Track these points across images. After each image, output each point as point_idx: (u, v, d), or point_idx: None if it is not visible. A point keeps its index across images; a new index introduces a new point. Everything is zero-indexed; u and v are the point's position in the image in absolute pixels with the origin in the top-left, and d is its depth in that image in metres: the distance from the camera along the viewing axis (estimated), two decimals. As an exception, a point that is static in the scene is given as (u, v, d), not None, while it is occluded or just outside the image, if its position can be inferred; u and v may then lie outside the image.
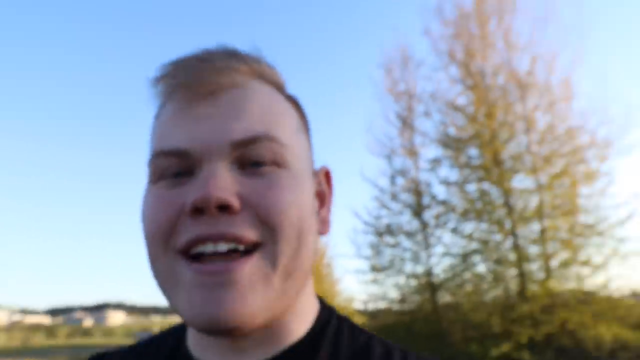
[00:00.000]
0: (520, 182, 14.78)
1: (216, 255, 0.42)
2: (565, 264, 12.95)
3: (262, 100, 0.47)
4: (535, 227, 14.08)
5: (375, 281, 17.11)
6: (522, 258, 13.79)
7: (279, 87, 0.51)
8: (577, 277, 12.63)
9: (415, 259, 16.29)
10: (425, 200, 16.75)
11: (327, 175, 0.56)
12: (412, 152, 17.56)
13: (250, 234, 0.41)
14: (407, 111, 18.26)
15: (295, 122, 0.50)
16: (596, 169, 13.22)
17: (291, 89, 0.57)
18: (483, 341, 12.33)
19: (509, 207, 14.54)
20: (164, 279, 0.44)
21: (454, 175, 16.43)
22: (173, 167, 0.45)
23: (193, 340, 0.51)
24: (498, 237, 14.70)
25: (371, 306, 17.84)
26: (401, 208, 17.05)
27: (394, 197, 17.19)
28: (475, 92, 16.06)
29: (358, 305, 18.73)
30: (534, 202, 14.29)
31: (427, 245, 16.20)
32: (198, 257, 0.42)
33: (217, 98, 0.46)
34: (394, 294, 16.78)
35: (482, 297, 13.88)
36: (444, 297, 15.34)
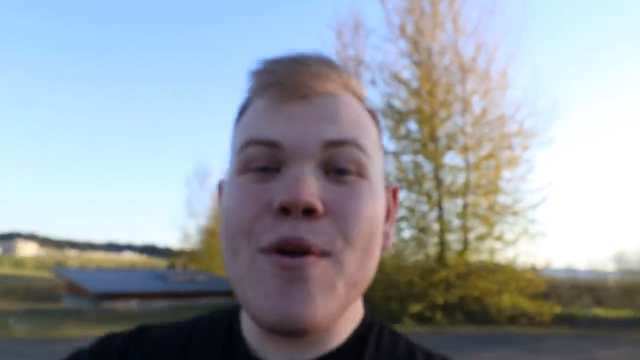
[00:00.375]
0: (452, 159, 16.03)
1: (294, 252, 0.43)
2: (481, 238, 14.49)
3: (351, 111, 0.49)
4: (460, 202, 15.48)
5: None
6: (445, 229, 15.16)
7: (362, 101, 0.53)
8: (490, 250, 14.23)
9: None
10: (364, 165, 17.50)
11: (395, 192, 0.57)
12: (356, 118, 18.14)
13: (325, 240, 0.43)
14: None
15: (375, 137, 0.52)
16: (519, 156, 14.66)
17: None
18: (402, 300, 13.58)
19: (439, 181, 15.78)
20: (245, 272, 0.44)
21: (391, 145, 17.35)
22: (261, 158, 0.46)
23: (250, 332, 0.51)
24: (425, 207, 15.96)
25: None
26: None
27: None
28: (421, 69, 16.82)
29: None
30: (461, 179, 15.64)
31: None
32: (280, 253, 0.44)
33: (310, 102, 0.47)
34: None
35: (405, 260, 15.12)
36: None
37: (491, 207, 14.64)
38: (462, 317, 13.02)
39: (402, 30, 17.51)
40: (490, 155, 15.12)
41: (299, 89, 0.47)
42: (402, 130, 17.09)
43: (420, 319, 13.09)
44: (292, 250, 0.43)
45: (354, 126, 0.48)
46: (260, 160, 0.46)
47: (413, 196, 16.30)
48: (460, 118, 16.27)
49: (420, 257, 15.18)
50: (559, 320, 12.45)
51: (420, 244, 15.41)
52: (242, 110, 0.52)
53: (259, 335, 0.50)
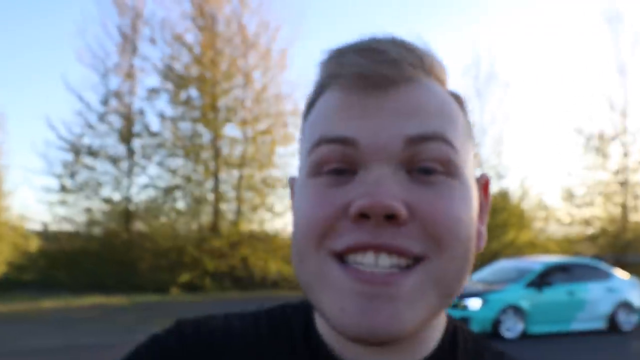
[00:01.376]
0: (231, 130, 16.42)
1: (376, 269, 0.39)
2: (254, 208, 15.45)
3: (435, 99, 0.43)
4: (236, 173, 16.08)
5: (63, 202, 15.85)
6: (220, 199, 15.58)
7: (444, 84, 0.47)
8: (261, 221, 15.32)
9: (116, 185, 15.92)
10: (137, 128, 16.41)
11: (486, 185, 0.51)
12: (130, 75, 16.67)
13: (415, 247, 0.39)
14: (131, 30, 17.00)
15: (463, 125, 0.46)
16: (292, 133, 16.03)
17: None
18: (172, 270, 13.53)
19: (216, 151, 16.02)
20: (314, 277, 0.41)
21: (170, 110, 16.70)
22: (336, 159, 0.41)
23: (329, 334, 0.48)
24: (201, 176, 16.04)
25: (54, 228, 16.43)
26: (108, 130, 16.15)
27: (102, 118, 16.10)
28: (205, 35, 16.51)
29: (34, 225, 16.89)
30: (238, 151, 16.22)
31: (131, 174, 16.06)
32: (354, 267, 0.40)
33: (389, 92, 0.42)
34: (83, 217, 16.03)
35: (177, 230, 14.99)
36: (140, 227, 15.73)
37: (264, 180, 15.68)
38: (230, 284, 13.80)
39: (187, -13, 16.77)
40: (267, 131, 16.07)
41: (374, 78, 0.42)
42: (183, 96, 16.60)
43: (189, 287, 13.30)
44: (374, 266, 0.39)
45: (439, 117, 0.43)
46: (334, 162, 0.42)
47: (190, 165, 16.17)
48: (242, 91, 16.72)
49: (194, 226, 15.27)
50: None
51: (195, 213, 15.47)
52: (311, 105, 0.48)
53: (340, 339, 0.46)
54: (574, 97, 33.64)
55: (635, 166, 18.97)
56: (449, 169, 0.42)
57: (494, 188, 21.12)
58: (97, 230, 16.00)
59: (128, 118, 16.28)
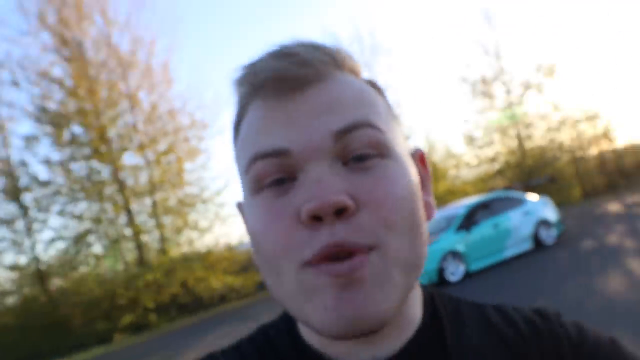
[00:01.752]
0: (130, 159, 15.43)
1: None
2: (178, 231, 14.72)
3: (352, 90, 0.44)
4: (148, 201, 15.18)
5: (-41, 283, 14.02)
6: (139, 231, 14.65)
7: (359, 75, 0.49)
8: (189, 241, 14.64)
9: (17, 248, 14.38)
10: (23, 181, 14.88)
11: (422, 157, 0.53)
12: (-1, 127, 15.04)
13: (368, 236, 0.40)
14: (-13, 77, 15.33)
15: (385, 107, 0.48)
16: (196, 147, 15.43)
17: None
18: (109, 317, 12.58)
19: (120, 184, 15.00)
20: (295, 291, 0.42)
21: (56, 154, 15.33)
22: (273, 171, 0.42)
23: (318, 341, 0.48)
24: (111, 214, 14.95)
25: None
26: (-9, 192, 14.49)
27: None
28: (74, 65, 15.33)
29: None
30: (144, 177, 15.32)
31: (30, 232, 14.57)
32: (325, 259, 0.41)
33: (306, 92, 0.43)
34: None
35: (102, 276, 13.92)
36: (57, 284, 14.38)
37: (181, 200, 14.98)
38: (175, 312, 13.11)
39: (42, 20, 15.42)
40: (169, 150, 15.33)
41: (289, 80, 0.43)
42: (66, 136, 15.28)
43: (134, 329, 12.47)
44: (337, 256, 0.40)
45: (359, 106, 0.44)
46: (273, 174, 0.42)
47: (95, 205, 15.00)
48: (130, 116, 15.75)
49: (120, 266, 14.26)
50: (262, 287, 14.14)
51: (115, 253, 14.44)
52: (238, 124, 0.48)
53: (329, 342, 0.47)
54: (452, 48, 35.85)
55: (518, 100, 20.66)
56: (381, 151, 0.43)
57: (403, 150, 21.99)
58: (10, 301, 14.40)
59: (9, 173, 14.71)
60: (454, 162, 22.46)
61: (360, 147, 0.42)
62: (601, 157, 19.92)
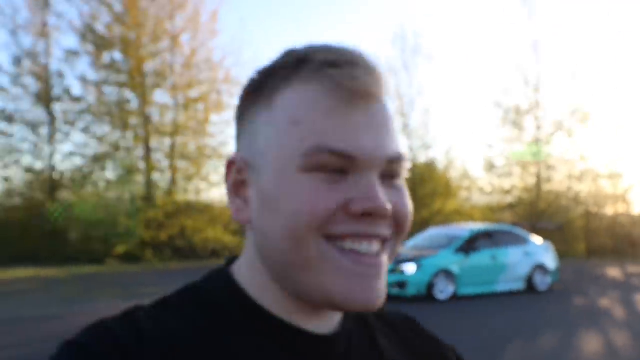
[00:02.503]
0: (161, 97, 15.67)
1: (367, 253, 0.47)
2: (189, 178, 15.00)
3: (393, 117, 0.51)
4: (168, 141, 15.44)
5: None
6: (152, 168, 14.95)
7: None
8: (197, 190, 14.93)
9: (37, 153, 14.76)
10: (56, 91, 15.18)
11: None
12: (44, 34, 15.25)
13: (388, 233, 0.48)
14: (41, -19, 15.37)
15: None
16: (226, 102, 15.59)
17: None
18: (106, 241, 12.96)
19: (146, 118, 15.24)
20: (314, 260, 0.46)
21: (92, 74, 15.57)
22: (334, 165, 0.46)
23: (277, 306, 0.51)
24: (131, 144, 15.24)
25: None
26: (22, 94, 14.81)
27: (15, 80, 14.71)
28: (126, -8, 15.37)
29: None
30: (170, 118, 15.54)
31: (52, 141, 14.93)
32: (353, 251, 0.47)
33: (371, 107, 0.48)
34: (1, 187, 14.81)
35: (109, 199, 14.29)
36: (65, 196, 14.78)
37: (200, 149, 15.21)
38: (169, 253, 13.46)
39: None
40: (200, 98, 15.50)
41: (363, 91, 0.47)
42: (106, 58, 15.51)
43: (127, 258, 12.85)
44: (367, 251, 0.47)
45: (398, 134, 0.51)
46: (333, 166, 0.47)
47: (117, 132, 15.29)
48: (170, 56, 15.89)
49: (126, 196, 14.60)
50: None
51: (126, 182, 14.77)
52: (273, 86, 0.50)
53: (294, 310, 0.51)
54: (493, 71, 35.40)
55: (547, 138, 20.48)
56: (403, 175, 0.51)
57: (421, 158, 22.04)
58: (17, 201, 14.85)
59: (45, 80, 15.00)
60: (467, 184, 22.42)
61: (399, 173, 0.51)
62: (614, 219, 19.81)
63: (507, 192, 21.18)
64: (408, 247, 10.10)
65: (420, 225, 21.29)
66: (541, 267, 9.62)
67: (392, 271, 8.49)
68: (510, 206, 20.87)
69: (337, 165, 0.46)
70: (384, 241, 0.48)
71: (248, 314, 0.51)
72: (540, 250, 9.79)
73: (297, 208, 0.46)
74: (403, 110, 21.99)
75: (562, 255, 13.48)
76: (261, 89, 0.50)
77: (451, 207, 22.26)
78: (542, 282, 9.60)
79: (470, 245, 9.10)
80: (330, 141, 0.46)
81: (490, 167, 21.50)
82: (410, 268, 8.46)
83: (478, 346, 5.76)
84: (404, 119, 21.88)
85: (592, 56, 30.81)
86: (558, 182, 20.62)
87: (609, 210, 20.40)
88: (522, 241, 9.76)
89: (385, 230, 0.48)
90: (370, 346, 0.57)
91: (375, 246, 0.47)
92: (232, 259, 0.56)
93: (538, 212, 19.50)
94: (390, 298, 8.33)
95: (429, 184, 22.04)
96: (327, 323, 0.53)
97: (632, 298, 9.14)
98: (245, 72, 16.31)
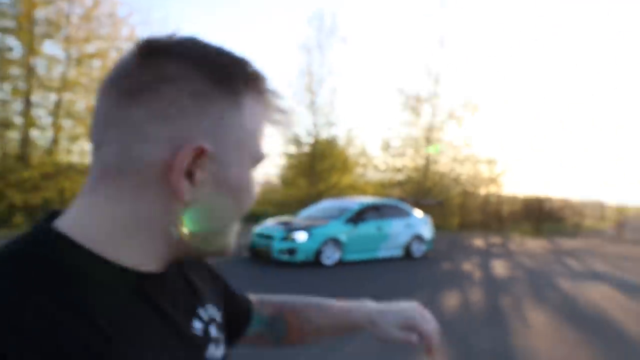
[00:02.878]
0: (51, 48, 14.33)
1: None
2: (74, 138, 14.04)
3: None
4: (53, 98, 14.25)
5: None
6: (30, 124, 13.74)
7: None
8: (82, 152, 14.04)
9: None
10: None
11: None
12: None
13: None
14: None
15: None
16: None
17: None
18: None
19: (30, 70, 13.88)
20: (231, 227, 0.59)
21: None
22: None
23: (119, 255, 0.52)
24: (7, 96, 13.82)
25: None
26: None
27: None
28: None
29: None
30: (58, 72, 14.31)
31: None
32: None
33: None
34: None
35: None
36: None
37: (90, 109, 14.25)
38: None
39: None
40: (97, 54, 14.45)
41: (279, 116, 0.60)
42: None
43: (-6, 223, 11.83)
44: None
45: None
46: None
47: (-6, 83, 13.75)
48: (68, 5, 14.53)
49: (-4, 153, 13.29)
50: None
51: (-1, 137, 13.43)
52: (237, 89, 0.54)
53: (140, 262, 0.53)
54: (399, 60, 37.16)
55: (440, 125, 22.24)
56: None
57: (324, 134, 22.76)
58: None
59: None
60: (364, 161, 23.61)
61: None
62: (486, 198, 22.26)
63: (399, 170, 22.73)
64: (301, 217, 10.61)
65: (317, 197, 22.12)
66: (418, 237, 10.70)
67: (284, 239, 8.92)
68: (400, 183, 22.44)
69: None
70: None
71: (100, 269, 0.50)
72: (419, 222, 10.86)
73: (251, 197, 0.58)
74: (311, 88, 22.38)
75: (438, 227, 14.96)
76: (225, 86, 0.53)
77: (346, 182, 23.33)
78: (418, 249, 10.70)
79: (359, 216, 9.82)
80: (264, 151, 0.59)
81: (387, 147, 22.85)
82: (301, 236, 8.94)
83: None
84: (311, 96, 22.32)
85: (489, 53, 33.59)
86: (443, 164, 22.56)
87: (483, 191, 22.82)
88: (405, 214, 10.73)
89: None
90: (180, 274, 0.65)
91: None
92: (53, 215, 0.55)
93: (424, 190, 21.23)
94: (280, 264, 8.81)
95: (328, 159, 22.85)
96: (162, 266, 0.58)
97: (489, 263, 10.56)
98: (152, 31, 15.48)
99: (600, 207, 27.52)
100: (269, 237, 9.10)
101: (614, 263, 11.76)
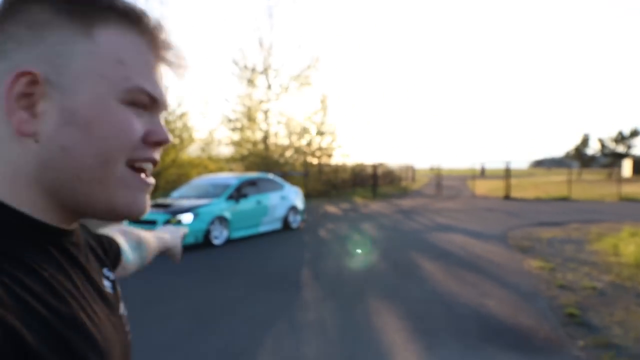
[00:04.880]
0: None
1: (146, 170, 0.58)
2: None
3: None
4: None
5: None
6: None
7: None
8: None
9: None
10: None
11: None
12: None
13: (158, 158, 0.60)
14: None
15: None
16: None
17: None
18: None
19: None
20: (115, 179, 0.53)
21: None
22: (142, 102, 0.55)
23: (27, 208, 0.52)
24: None
25: None
26: None
27: None
28: None
29: None
30: None
31: None
32: (140, 170, 0.56)
33: (161, 64, 0.59)
34: None
35: None
36: None
37: None
38: None
39: None
40: None
41: (165, 53, 0.58)
42: None
43: None
44: (141, 168, 0.57)
45: None
46: (141, 103, 0.55)
47: None
48: None
49: None
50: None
51: None
52: (89, 15, 0.52)
53: (48, 215, 0.53)
54: (234, 32, 36.42)
55: (275, 97, 22.75)
56: None
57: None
58: None
59: None
60: (205, 136, 22.86)
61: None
62: (320, 168, 23.82)
63: (239, 144, 22.65)
64: (174, 196, 9.98)
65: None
66: (294, 209, 11.06)
67: (168, 222, 8.32)
68: (242, 158, 22.43)
69: (144, 103, 0.55)
70: (154, 164, 0.58)
71: (14, 222, 0.50)
72: (292, 194, 11.21)
73: (115, 134, 0.52)
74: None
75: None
76: (72, 15, 0.51)
77: (184, 159, 22.37)
78: (295, 220, 11.08)
79: (239, 192, 9.68)
80: (147, 85, 0.55)
81: (227, 120, 22.46)
82: (187, 217, 8.46)
83: (263, 282, 6.44)
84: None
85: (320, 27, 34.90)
86: (281, 137, 23.25)
87: (316, 161, 24.30)
88: (279, 187, 10.94)
89: (158, 155, 0.59)
90: (82, 235, 0.66)
91: (151, 167, 0.58)
92: None
93: (270, 163, 21.64)
94: (168, 248, 8.18)
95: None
96: (67, 224, 0.57)
97: (359, 226, 11.52)
98: None
99: (411, 171, 31.83)
100: (150, 222, 8.37)
101: (449, 216, 13.99)
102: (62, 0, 0.51)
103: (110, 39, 0.53)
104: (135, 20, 0.54)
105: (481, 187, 23.23)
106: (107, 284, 0.64)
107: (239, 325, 4.48)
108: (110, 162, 0.53)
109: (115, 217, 0.55)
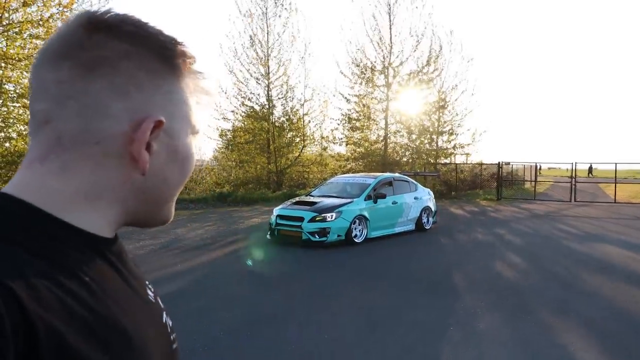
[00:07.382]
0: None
1: None
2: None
3: None
4: None
5: None
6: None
7: None
8: None
9: None
10: None
11: None
12: None
13: None
14: None
15: None
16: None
17: None
18: None
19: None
20: (173, 199, 0.64)
21: None
22: (194, 135, 0.63)
23: (82, 221, 0.53)
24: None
25: None
26: None
27: None
28: None
29: None
30: None
31: None
32: None
33: None
34: None
35: None
36: None
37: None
38: None
39: None
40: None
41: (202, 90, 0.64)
42: None
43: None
44: None
45: None
46: (194, 135, 0.63)
47: None
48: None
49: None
50: None
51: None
52: (177, 69, 0.59)
53: (99, 227, 0.55)
54: (354, 31, 37.27)
55: (394, 96, 22.61)
56: None
57: (280, 108, 22.34)
58: None
59: None
60: (325, 135, 23.51)
61: None
62: (446, 167, 23.20)
63: (358, 144, 22.92)
64: (314, 195, 10.44)
65: (278, 174, 21.85)
66: (427, 210, 10.98)
67: (314, 220, 8.74)
68: (362, 156, 22.67)
69: (194, 135, 0.63)
70: None
71: (64, 230, 0.51)
72: (425, 195, 11.13)
73: (192, 165, 0.64)
74: (262, 59, 21.70)
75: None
76: (170, 64, 0.58)
77: (308, 156, 23.23)
78: (428, 222, 11.00)
79: (375, 192, 9.84)
80: (196, 121, 0.63)
81: (347, 119, 22.88)
82: (332, 216, 8.82)
83: (416, 286, 6.45)
84: (263, 68, 21.68)
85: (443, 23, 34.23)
86: (401, 136, 23.06)
87: (432, 160, 23.65)
88: (413, 188, 10.93)
89: None
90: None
91: None
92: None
93: (388, 162, 21.65)
94: (312, 244, 8.64)
95: (287, 133, 22.52)
96: (113, 234, 0.60)
97: (493, 230, 11.10)
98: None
99: (535, 171, 29.67)
100: (296, 218, 8.86)
101: (594, 223, 12.90)
102: (165, 50, 0.57)
103: (187, 85, 0.61)
104: (194, 65, 0.61)
105: (622, 192, 20.93)
106: (150, 293, 0.66)
107: (409, 330, 4.56)
108: (179, 188, 0.63)
109: (156, 225, 0.64)
